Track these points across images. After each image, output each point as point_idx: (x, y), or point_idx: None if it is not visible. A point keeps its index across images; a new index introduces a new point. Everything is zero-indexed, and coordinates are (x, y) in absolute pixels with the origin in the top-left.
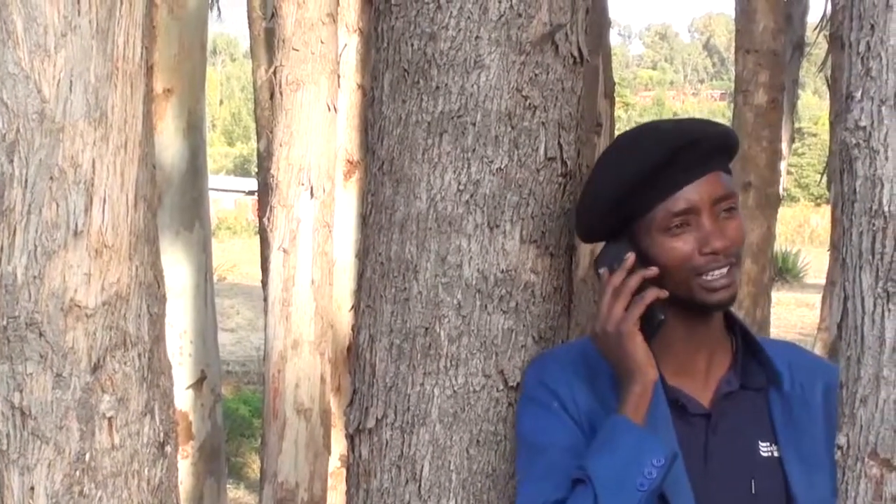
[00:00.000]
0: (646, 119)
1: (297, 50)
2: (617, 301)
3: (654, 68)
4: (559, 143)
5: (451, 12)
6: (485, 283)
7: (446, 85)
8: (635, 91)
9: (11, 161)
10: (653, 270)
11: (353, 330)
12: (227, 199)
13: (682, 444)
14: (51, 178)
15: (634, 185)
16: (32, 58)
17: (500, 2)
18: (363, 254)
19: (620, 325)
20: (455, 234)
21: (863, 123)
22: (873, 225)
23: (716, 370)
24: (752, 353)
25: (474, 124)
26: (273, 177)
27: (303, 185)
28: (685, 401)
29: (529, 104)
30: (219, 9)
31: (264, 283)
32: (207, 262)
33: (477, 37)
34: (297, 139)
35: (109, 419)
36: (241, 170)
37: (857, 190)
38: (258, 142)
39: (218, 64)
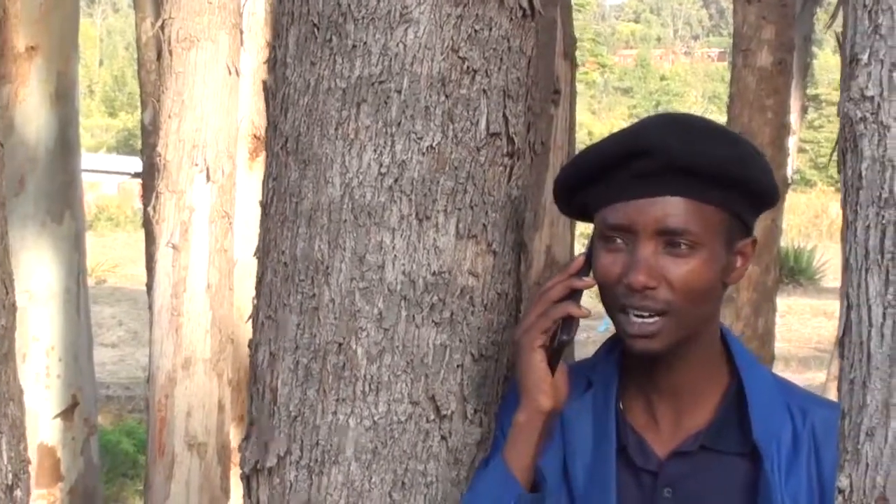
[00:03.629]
0: (626, 85)
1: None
2: (534, 308)
3: (636, 21)
4: (504, 115)
5: None
6: (412, 289)
7: (365, 43)
8: (614, 49)
9: None
10: (584, 282)
11: (249, 347)
12: (109, 182)
13: (623, 501)
14: None
15: (584, 177)
16: None
17: None
18: (262, 252)
19: (522, 335)
20: (376, 228)
21: (870, 93)
22: (882, 217)
23: (690, 420)
24: (737, 408)
25: (399, 92)
26: (160, 155)
27: (196, 165)
28: (635, 451)
29: (468, 67)
30: None
31: (149, 287)
32: (80, 262)
33: None
34: (189, 110)
35: None
36: (125, 146)
37: (863, 174)
38: (142, 112)
39: (97, 15)
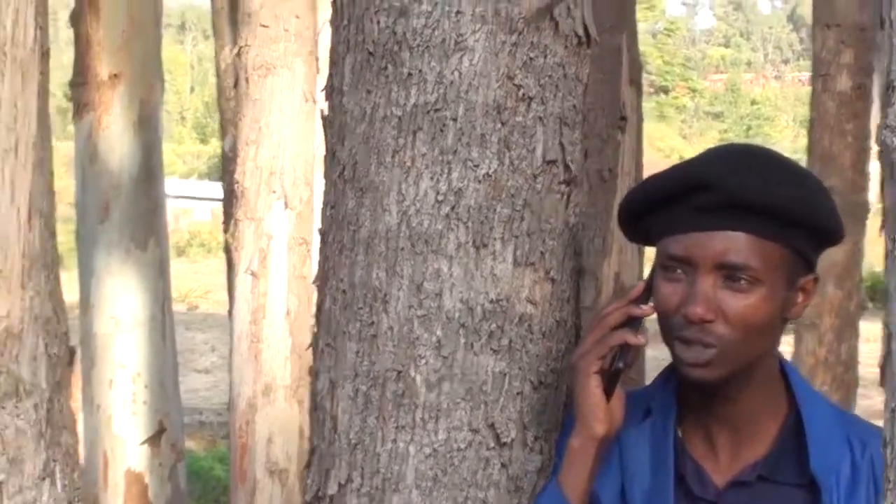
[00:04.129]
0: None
1: (266, 26)
2: (591, 333)
3: (726, 46)
4: (560, 142)
5: None
6: (470, 317)
7: (420, 71)
8: (704, 74)
9: None
10: (642, 310)
11: (310, 374)
12: (202, 208)
13: None
14: None
15: (647, 206)
16: None
17: None
18: (321, 280)
19: (578, 360)
20: (433, 256)
21: None
22: None
23: (748, 450)
24: (796, 439)
25: (455, 120)
26: (238, 183)
27: (274, 192)
28: (693, 480)
29: (523, 95)
30: None
31: (231, 314)
32: (165, 288)
33: (458, 12)
34: (266, 137)
35: None
36: (217, 172)
37: None
38: (223, 139)
39: (188, 42)
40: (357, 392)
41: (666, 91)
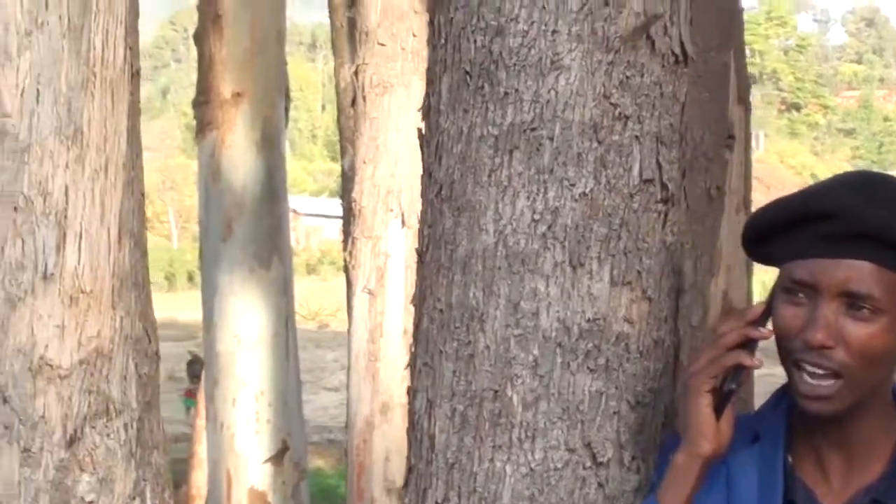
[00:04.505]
0: (848, 126)
1: (383, 45)
2: (707, 351)
3: (859, 62)
4: (657, 161)
5: (522, 1)
6: (567, 336)
7: (517, 91)
8: (836, 91)
9: None
10: (760, 332)
11: (407, 393)
12: (332, 226)
13: None
14: (14, 208)
15: (772, 229)
16: None
17: None
18: (419, 300)
19: (691, 377)
20: (530, 275)
21: None
22: None
23: (861, 474)
24: None
25: (552, 139)
26: (355, 201)
27: (391, 211)
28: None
29: (620, 114)
30: None
31: (349, 332)
32: (289, 306)
33: (554, 31)
34: (383, 155)
35: None
36: None
37: None
38: (342, 158)
39: (319, 61)
40: (454, 411)
41: (798, 108)
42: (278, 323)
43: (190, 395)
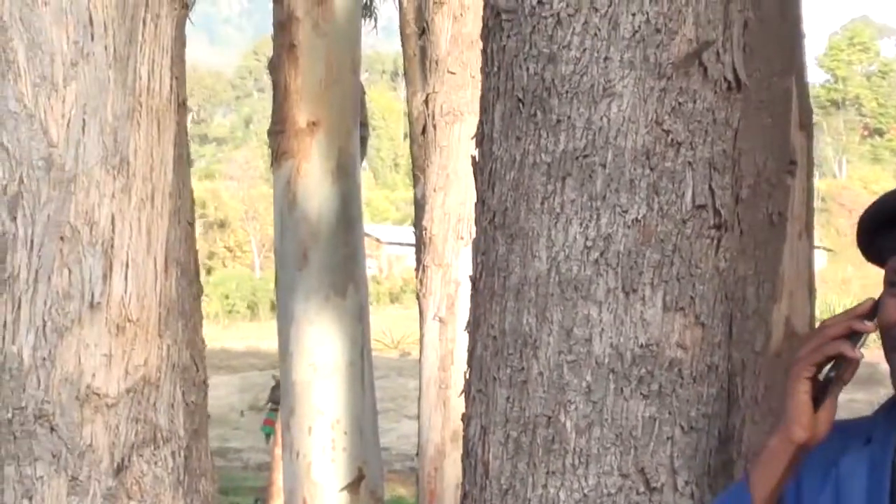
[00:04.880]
0: None
1: (453, 73)
2: (811, 341)
3: None
4: (710, 187)
5: (575, 28)
6: (620, 362)
7: (569, 118)
8: None
9: (14, 218)
10: (864, 325)
11: (462, 420)
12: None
13: None
14: (61, 238)
15: (879, 222)
16: (37, 93)
17: (633, 15)
18: (473, 326)
19: (793, 365)
20: (582, 302)
21: None
22: None
23: None
24: None
25: (604, 166)
26: (426, 229)
27: (462, 239)
28: None
29: (672, 140)
30: (375, 20)
31: (420, 360)
32: (365, 334)
33: (606, 58)
34: (453, 183)
35: None
36: None
37: None
38: (414, 186)
39: (401, 89)
40: (508, 438)
41: (881, 133)
42: (353, 351)
43: (269, 423)
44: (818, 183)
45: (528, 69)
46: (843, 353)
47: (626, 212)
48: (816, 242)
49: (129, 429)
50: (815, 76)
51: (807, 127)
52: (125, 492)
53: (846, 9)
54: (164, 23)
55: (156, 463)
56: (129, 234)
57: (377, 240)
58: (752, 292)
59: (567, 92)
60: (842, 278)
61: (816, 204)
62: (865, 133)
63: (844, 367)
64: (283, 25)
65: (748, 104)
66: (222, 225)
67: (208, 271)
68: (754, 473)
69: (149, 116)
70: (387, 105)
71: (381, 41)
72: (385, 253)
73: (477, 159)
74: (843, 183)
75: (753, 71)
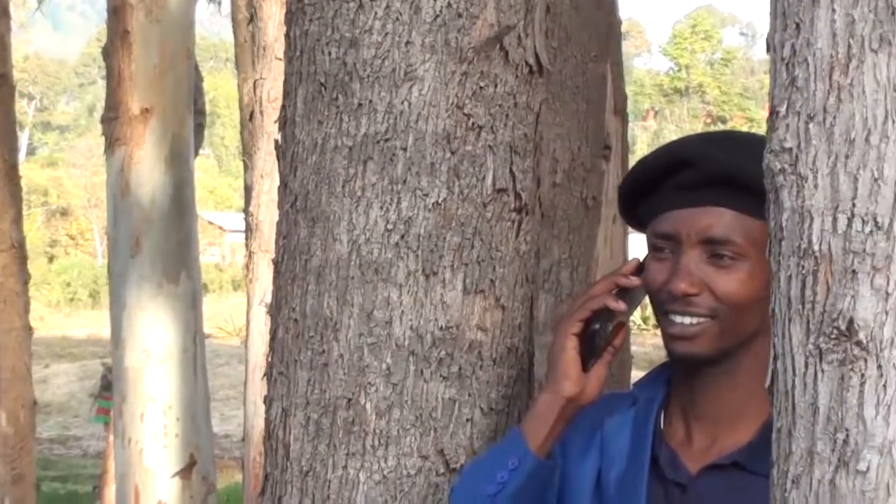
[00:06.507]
0: None
1: (280, 59)
2: (576, 299)
3: None
4: (511, 170)
5: (376, 13)
6: (420, 344)
7: (371, 101)
8: (762, 104)
9: None
10: (630, 280)
11: (264, 402)
12: None
13: None
14: None
15: (636, 188)
16: None
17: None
18: (275, 309)
19: (559, 321)
20: (383, 284)
21: (788, 144)
22: (802, 267)
23: (727, 439)
24: None
25: (405, 149)
26: (252, 216)
27: None
28: (666, 464)
29: (473, 124)
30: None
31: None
32: (197, 321)
33: (408, 42)
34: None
35: None
36: None
37: (784, 225)
38: (245, 173)
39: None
40: (308, 420)
41: (724, 121)
42: (186, 338)
43: (102, 413)
44: None
45: (330, 53)
46: (607, 304)
47: (426, 195)
48: None
49: None
50: (660, 64)
51: (621, 112)
52: None
53: None
54: None
55: None
56: None
57: (220, 228)
58: (567, 275)
59: (369, 76)
60: None
61: None
62: (709, 120)
63: (612, 326)
64: (117, 11)
65: (560, 89)
66: (65, 213)
67: (50, 259)
68: (526, 426)
69: None
70: (231, 93)
71: (226, 28)
72: (228, 241)
73: (280, 143)
74: None
75: (569, 57)
